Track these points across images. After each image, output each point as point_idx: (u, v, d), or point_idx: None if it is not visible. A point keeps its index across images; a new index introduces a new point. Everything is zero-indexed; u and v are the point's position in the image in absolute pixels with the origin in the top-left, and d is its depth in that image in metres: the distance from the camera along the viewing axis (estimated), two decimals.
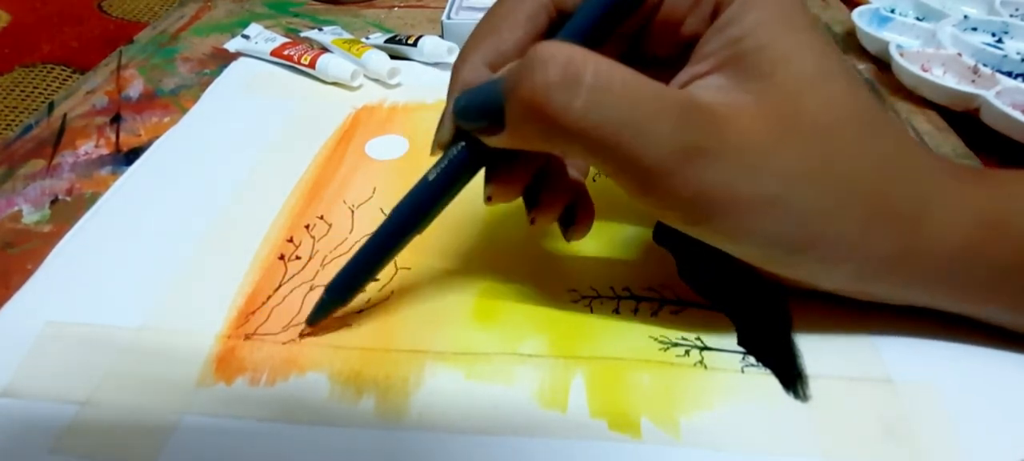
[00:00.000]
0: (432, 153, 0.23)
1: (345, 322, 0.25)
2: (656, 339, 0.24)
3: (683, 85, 0.21)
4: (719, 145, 0.19)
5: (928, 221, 0.21)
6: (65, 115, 0.38)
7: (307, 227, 0.29)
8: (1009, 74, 0.38)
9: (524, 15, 0.22)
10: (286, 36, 0.45)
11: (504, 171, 0.22)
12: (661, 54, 0.23)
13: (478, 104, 0.20)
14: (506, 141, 0.20)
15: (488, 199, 0.23)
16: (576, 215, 0.24)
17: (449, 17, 0.45)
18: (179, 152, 0.34)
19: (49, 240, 0.29)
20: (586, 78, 0.18)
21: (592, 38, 0.21)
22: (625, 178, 0.19)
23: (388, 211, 0.23)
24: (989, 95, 0.35)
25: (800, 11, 0.20)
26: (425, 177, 0.22)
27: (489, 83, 0.20)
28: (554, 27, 0.22)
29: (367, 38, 0.45)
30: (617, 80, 0.18)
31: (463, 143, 0.22)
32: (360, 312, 0.25)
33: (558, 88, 0.18)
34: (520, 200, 0.24)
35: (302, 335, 0.24)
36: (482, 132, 0.21)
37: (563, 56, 0.18)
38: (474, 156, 0.22)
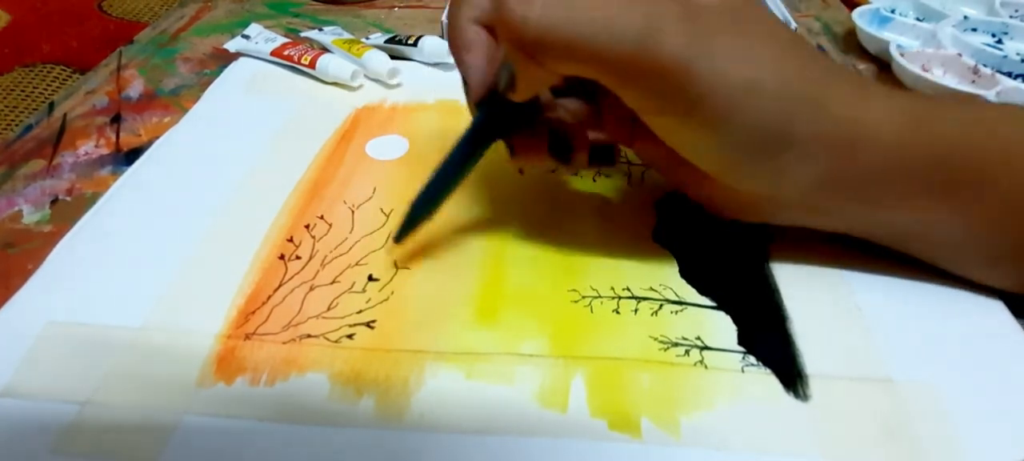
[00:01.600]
0: (471, 114, 0.25)
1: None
2: (656, 339, 0.24)
3: None
4: (692, 31, 0.20)
5: (866, 118, 0.23)
6: (65, 115, 0.38)
7: (307, 227, 0.29)
8: (1009, 74, 0.38)
9: None
10: (286, 36, 0.45)
11: (522, 138, 0.25)
12: None
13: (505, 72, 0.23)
14: (521, 88, 0.22)
15: (520, 171, 0.26)
16: (603, 153, 0.28)
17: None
18: (179, 152, 0.34)
19: (49, 240, 0.29)
20: None
21: None
22: (605, 76, 0.21)
23: (388, 212, 0.24)
24: (989, 95, 0.35)
25: None
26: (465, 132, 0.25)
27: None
28: None
29: (367, 38, 0.45)
30: None
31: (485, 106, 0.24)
32: (360, 312, 0.25)
33: (515, 4, 0.20)
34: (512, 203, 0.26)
35: (390, 249, 0.27)
36: (508, 89, 0.23)
37: None
38: (491, 116, 0.24)
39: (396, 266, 0.27)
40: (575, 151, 0.26)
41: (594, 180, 0.32)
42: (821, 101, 0.22)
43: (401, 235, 0.27)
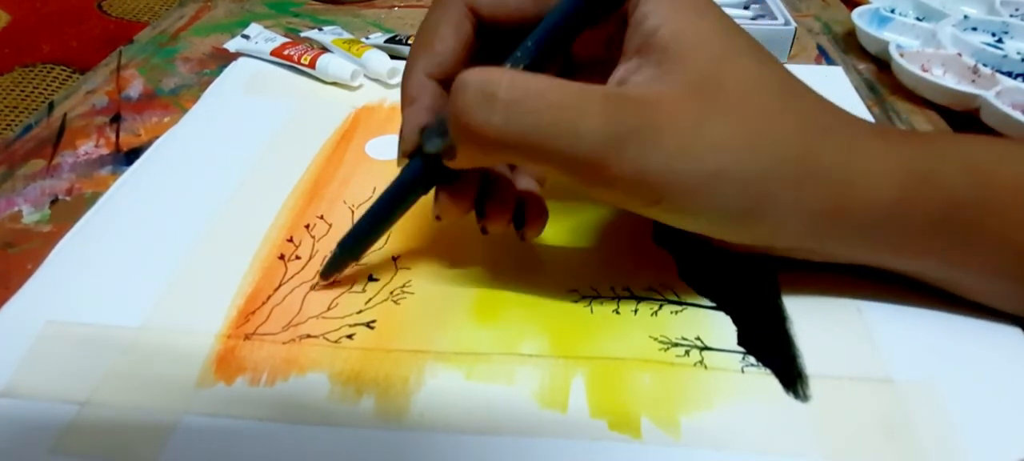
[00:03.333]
0: (398, 164, 0.24)
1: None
2: (656, 339, 0.24)
3: (618, 82, 0.22)
4: (651, 129, 0.20)
5: (857, 175, 0.22)
6: (65, 115, 0.38)
7: (307, 227, 0.29)
8: (1009, 74, 0.38)
9: (450, 27, 0.24)
10: (286, 36, 0.45)
11: (448, 190, 0.24)
12: (586, 56, 0.25)
13: (439, 134, 0.22)
14: (462, 160, 0.22)
15: (437, 217, 0.24)
16: (525, 216, 0.25)
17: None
18: (179, 152, 0.34)
19: (49, 240, 0.29)
20: (500, 93, 0.19)
21: (542, 57, 0.22)
22: (569, 175, 0.20)
23: None
24: (989, 95, 0.35)
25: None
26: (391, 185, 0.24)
27: (442, 113, 0.22)
28: (482, 32, 0.24)
29: (367, 38, 0.45)
30: (532, 89, 0.19)
31: (419, 159, 0.23)
32: (360, 312, 0.25)
33: (476, 108, 0.19)
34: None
35: (315, 288, 0.26)
36: (445, 156, 0.22)
37: (477, 78, 0.19)
38: (426, 169, 0.23)
39: (396, 266, 0.27)
40: (493, 214, 0.25)
41: None
42: (801, 176, 0.21)
43: (326, 273, 0.26)
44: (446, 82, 0.23)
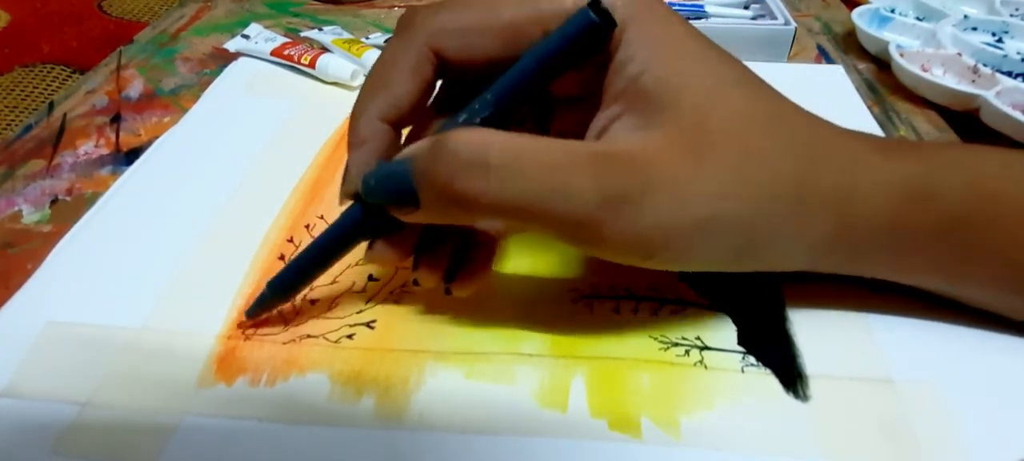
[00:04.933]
0: (340, 203, 0.23)
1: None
2: (656, 339, 0.24)
3: (601, 130, 0.21)
4: (642, 187, 0.19)
5: (857, 195, 0.21)
6: (65, 115, 0.38)
7: (307, 227, 0.29)
8: (1009, 74, 0.38)
9: (409, 67, 0.22)
10: (286, 36, 0.45)
11: (387, 239, 0.23)
12: (562, 94, 0.23)
13: (389, 188, 0.21)
14: (423, 218, 0.21)
15: (368, 261, 0.23)
16: (457, 273, 0.24)
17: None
18: (179, 152, 0.34)
19: (49, 240, 0.29)
20: (492, 159, 0.19)
21: (507, 108, 0.21)
22: (561, 237, 0.20)
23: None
24: (989, 95, 0.35)
25: (686, 33, 0.21)
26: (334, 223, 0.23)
27: (396, 165, 0.20)
28: (443, 72, 0.22)
29: (367, 38, 0.45)
30: (525, 153, 0.19)
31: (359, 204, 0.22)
32: (360, 312, 0.25)
33: (466, 175, 0.19)
34: None
35: (240, 326, 0.25)
36: (394, 209, 0.21)
37: (466, 142, 0.19)
38: (367, 217, 0.22)
39: (396, 266, 0.27)
40: (425, 266, 0.23)
41: None
42: (798, 206, 0.21)
43: (252, 312, 0.24)
44: (397, 124, 0.22)
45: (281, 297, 0.24)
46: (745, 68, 0.22)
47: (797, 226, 0.21)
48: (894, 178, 0.22)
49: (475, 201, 0.19)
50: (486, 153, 0.19)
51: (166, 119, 0.38)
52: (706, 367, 0.23)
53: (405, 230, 0.22)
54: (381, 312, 0.25)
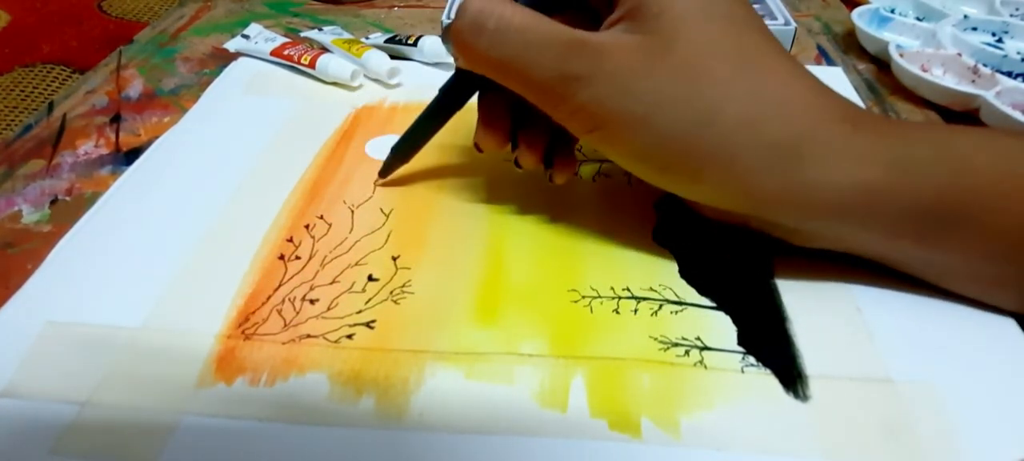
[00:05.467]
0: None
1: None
2: (656, 339, 0.24)
3: (605, 27, 0.24)
4: (594, 71, 0.23)
5: (811, 159, 0.22)
6: (65, 115, 0.38)
7: (307, 227, 0.29)
8: (1009, 74, 0.38)
9: None
10: (286, 36, 0.45)
11: (484, 119, 0.27)
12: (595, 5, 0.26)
13: (445, 37, 0.27)
14: (459, 61, 0.26)
15: (477, 146, 0.28)
16: (554, 158, 0.28)
17: (449, 17, 0.45)
18: (179, 152, 0.34)
19: (49, 240, 0.29)
20: (489, 24, 0.23)
21: None
22: (528, 96, 0.24)
23: (388, 211, 0.27)
24: (989, 95, 0.35)
25: None
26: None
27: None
28: None
29: (367, 38, 0.45)
30: (515, 24, 0.23)
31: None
32: (360, 312, 0.25)
33: (468, 32, 0.24)
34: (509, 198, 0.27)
35: (377, 184, 0.31)
36: (454, 57, 0.26)
37: (475, 7, 0.23)
38: (459, 78, 0.27)
39: (396, 266, 0.27)
40: (525, 145, 0.28)
41: (594, 180, 0.32)
42: (737, 144, 0.22)
43: (384, 172, 0.31)
44: None
45: (401, 158, 0.31)
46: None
47: (730, 162, 0.23)
48: (867, 150, 0.22)
49: (473, 53, 0.24)
50: (488, 18, 0.23)
51: (166, 119, 0.38)
52: (706, 367, 0.23)
53: (497, 114, 0.27)
54: (381, 312, 0.25)
